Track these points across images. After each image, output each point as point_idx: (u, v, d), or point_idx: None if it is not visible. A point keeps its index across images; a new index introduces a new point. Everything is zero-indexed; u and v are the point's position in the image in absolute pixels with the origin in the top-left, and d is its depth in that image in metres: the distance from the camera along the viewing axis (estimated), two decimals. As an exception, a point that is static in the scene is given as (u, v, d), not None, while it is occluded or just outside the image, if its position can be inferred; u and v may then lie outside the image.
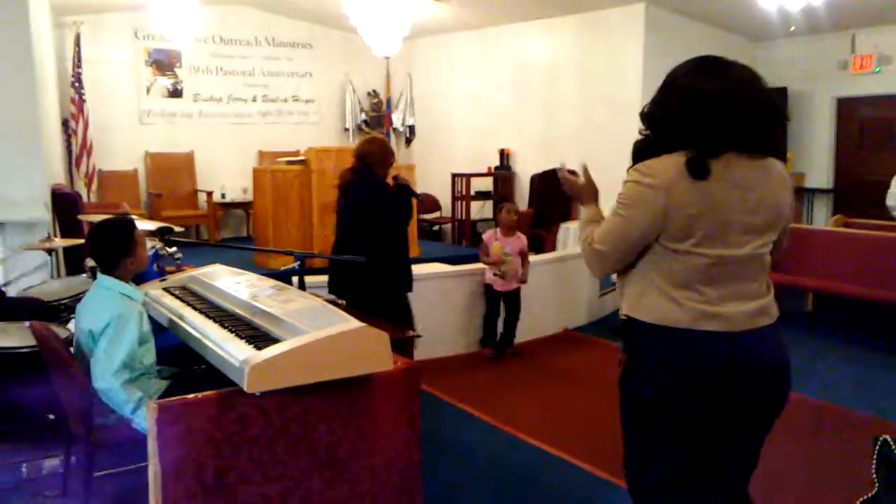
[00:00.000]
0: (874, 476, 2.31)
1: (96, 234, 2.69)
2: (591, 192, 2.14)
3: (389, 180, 4.21)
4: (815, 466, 3.52)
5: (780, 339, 1.91)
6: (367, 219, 4.05)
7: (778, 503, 3.08)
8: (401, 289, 4.25)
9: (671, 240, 1.82)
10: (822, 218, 8.43)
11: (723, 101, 1.77)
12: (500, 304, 5.37)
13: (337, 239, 4.25)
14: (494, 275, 5.29)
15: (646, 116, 1.92)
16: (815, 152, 8.60)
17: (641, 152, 1.90)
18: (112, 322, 2.49)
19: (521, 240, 5.38)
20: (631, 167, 1.89)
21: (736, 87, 1.78)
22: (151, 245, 3.31)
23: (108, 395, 2.46)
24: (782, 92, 8.18)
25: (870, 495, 2.31)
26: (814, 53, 8.39)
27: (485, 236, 5.42)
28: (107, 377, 2.45)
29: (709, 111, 1.78)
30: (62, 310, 3.46)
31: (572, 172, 2.17)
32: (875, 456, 2.32)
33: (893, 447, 2.29)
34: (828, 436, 3.95)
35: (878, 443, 2.31)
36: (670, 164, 1.79)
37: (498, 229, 5.38)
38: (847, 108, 8.49)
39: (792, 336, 6.17)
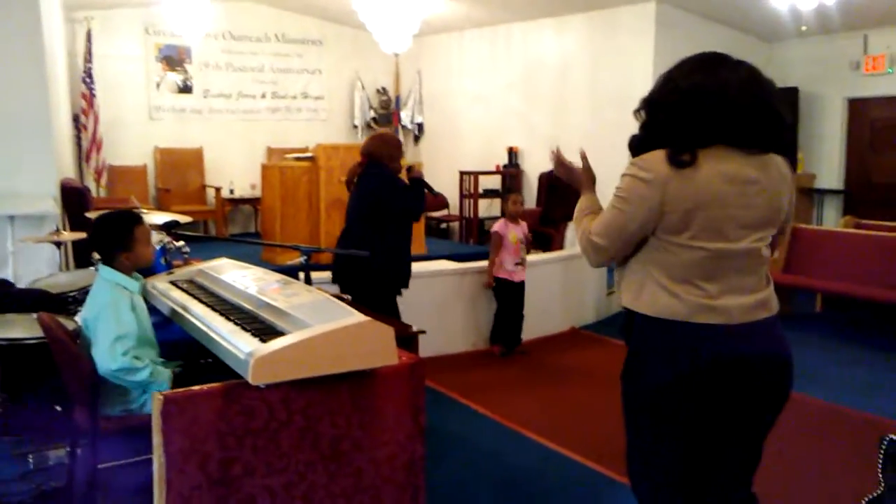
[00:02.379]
0: (880, 475, 2.29)
1: (96, 225, 2.73)
2: (589, 179, 2.16)
3: (403, 174, 4.19)
4: (822, 466, 3.50)
5: (779, 331, 1.90)
6: (373, 212, 4.03)
7: (784, 502, 3.06)
8: (396, 284, 4.20)
9: (668, 233, 1.82)
10: (832, 219, 8.38)
11: (700, 97, 1.79)
12: (513, 297, 5.37)
13: (343, 231, 4.25)
14: (517, 264, 5.30)
15: (639, 109, 1.93)
16: (827, 153, 8.55)
17: (637, 146, 1.90)
18: (104, 309, 2.52)
19: (524, 227, 5.45)
20: (630, 161, 1.90)
21: (725, 83, 1.78)
22: (159, 239, 3.32)
23: (114, 373, 2.47)
24: (793, 92, 8.14)
25: (875, 494, 2.30)
26: (826, 54, 8.34)
27: (496, 227, 5.42)
28: (104, 355, 2.46)
29: (688, 107, 1.79)
30: (70, 302, 3.48)
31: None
32: (881, 455, 2.31)
33: (900, 447, 2.27)
34: (835, 436, 3.93)
35: (885, 442, 2.30)
36: (663, 159, 1.80)
37: (505, 219, 5.40)
38: (859, 109, 8.43)
39: (801, 336, 6.19)
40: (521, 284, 5.38)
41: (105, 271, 2.65)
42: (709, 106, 1.78)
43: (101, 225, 2.72)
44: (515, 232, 5.33)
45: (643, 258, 1.90)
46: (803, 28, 7.76)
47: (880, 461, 2.28)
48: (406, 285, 4.27)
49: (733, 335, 1.81)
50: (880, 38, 7.95)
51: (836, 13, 7.09)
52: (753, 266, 1.86)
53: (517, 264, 5.31)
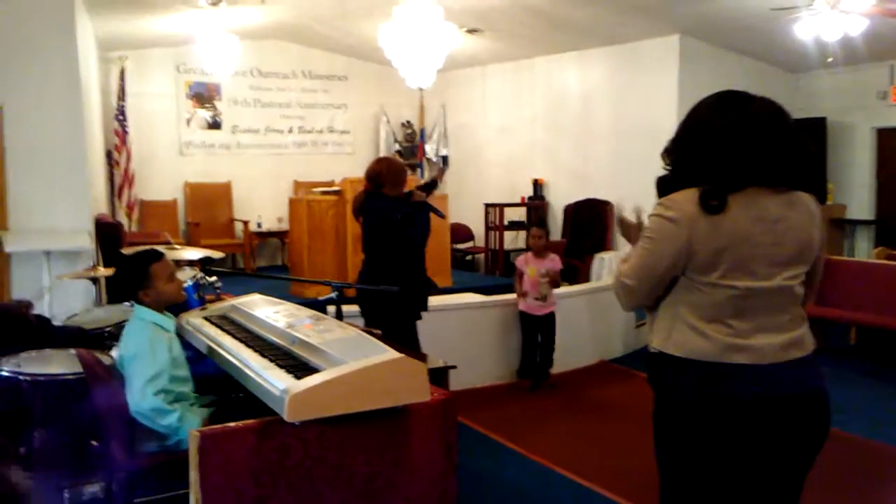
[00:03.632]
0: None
1: (117, 266, 2.78)
2: (638, 233, 2.14)
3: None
4: (835, 497, 3.42)
5: (815, 370, 1.86)
6: (379, 244, 4.09)
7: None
8: (415, 310, 4.22)
9: (697, 272, 1.81)
10: (864, 249, 8.26)
11: (736, 135, 1.78)
12: (537, 331, 5.34)
13: (363, 262, 4.29)
14: (536, 299, 5.27)
15: (667, 151, 1.93)
16: (856, 183, 8.47)
17: (665, 186, 1.91)
18: (141, 348, 2.56)
19: (554, 261, 5.39)
20: (657, 201, 1.90)
21: (752, 122, 1.78)
22: (192, 274, 3.37)
23: (145, 413, 2.50)
24: (821, 122, 8.10)
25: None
26: (853, 84, 8.31)
27: (517, 262, 5.43)
28: (136, 395, 2.50)
29: (723, 146, 1.78)
30: (105, 337, 3.52)
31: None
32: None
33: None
34: (870, 472, 3.84)
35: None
36: (692, 198, 1.80)
37: (530, 253, 5.39)
38: (887, 139, 8.36)
39: (834, 370, 6.06)
40: (547, 317, 5.34)
41: (140, 311, 2.70)
42: (739, 144, 1.77)
43: (119, 266, 2.82)
44: (535, 266, 5.31)
45: (673, 299, 1.88)
46: (829, 59, 7.74)
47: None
48: (425, 308, 4.28)
49: (766, 374, 1.78)
50: (907, 67, 7.92)
51: (862, 43, 7.06)
52: (785, 304, 1.84)
53: (536, 300, 5.28)
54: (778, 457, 1.84)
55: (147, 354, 2.55)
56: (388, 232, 4.08)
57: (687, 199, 1.80)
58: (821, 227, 1.90)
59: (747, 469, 1.83)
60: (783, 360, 1.80)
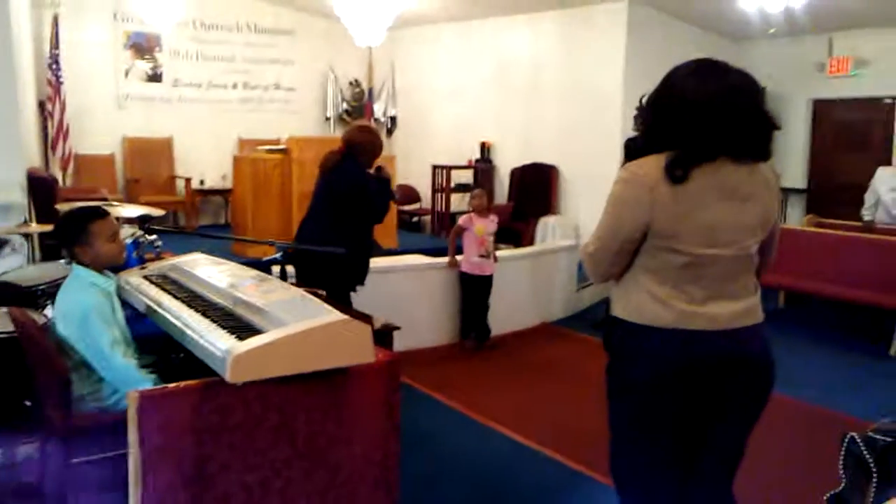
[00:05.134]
0: (841, 472, 2.37)
1: (57, 221, 2.70)
2: None
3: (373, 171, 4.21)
4: (785, 463, 3.60)
5: (764, 337, 1.96)
6: (340, 208, 4.07)
7: (746, 498, 3.14)
8: (353, 280, 4.24)
9: (657, 238, 1.85)
10: (796, 217, 8.56)
11: (713, 107, 1.79)
12: (477, 291, 5.41)
13: (306, 220, 4.24)
14: (481, 256, 5.34)
15: (638, 116, 1.94)
16: (791, 153, 8.72)
17: (631, 152, 1.93)
18: (89, 314, 2.49)
19: (494, 219, 5.50)
20: (621, 166, 1.93)
21: (728, 94, 1.79)
22: (132, 232, 3.29)
23: (120, 378, 2.46)
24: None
25: (837, 491, 2.37)
26: (792, 55, 8.51)
27: (461, 221, 5.49)
28: (106, 360, 2.46)
29: (697, 116, 1.80)
30: (39, 295, 3.43)
31: None
32: (843, 452, 2.38)
33: (860, 444, 2.35)
34: (797, 433, 4.04)
35: (846, 439, 2.37)
36: (656, 165, 1.82)
37: (473, 213, 5.44)
38: (823, 110, 8.62)
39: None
40: (488, 279, 5.42)
41: (78, 270, 2.62)
42: (714, 116, 1.78)
43: (59, 221, 2.71)
44: (482, 225, 5.38)
45: (633, 266, 1.93)
46: (772, 30, 7.90)
47: (842, 458, 2.36)
48: (363, 282, 4.30)
49: (719, 339, 1.86)
50: (845, 40, 8.13)
51: (803, 15, 7.23)
52: (740, 273, 1.91)
53: (482, 256, 5.36)
54: (725, 414, 1.94)
55: (100, 322, 2.48)
56: (355, 198, 4.06)
57: (652, 165, 1.83)
58: (777, 198, 1.96)
59: (695, 426, 1.93)
60: (738, 327, 1.88)
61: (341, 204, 4.07)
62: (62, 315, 2.55)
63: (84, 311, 2.49)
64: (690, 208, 1.81)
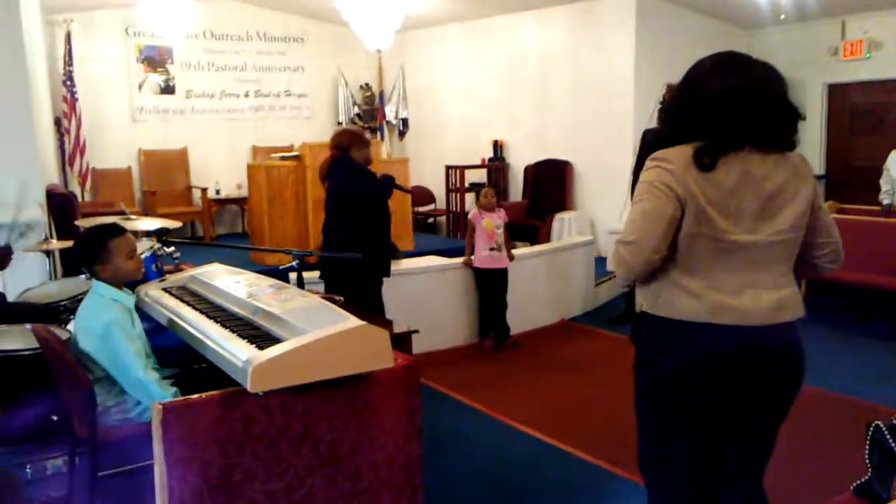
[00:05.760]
0: (867, 461, 2.34)
1: (77, 239, 2.74)
2: None
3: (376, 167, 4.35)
4: (811, 452, 3.57)
5: (797, 334, 1.95)
6: (347, 202, 4.20)
7: (772, 488, 3.12)
8: (378, 273, 4.33)
9: (688, 223, 1.84)
10: (814, 204, 8.47)
11: (738, 99, 1.81)
12: (493, 286, 5.43)
13: (323, 229, 4.38)
14: (492, 249, 5.38)
15: (663, 109, 1.96)
16: (807, 138, 8.59)
17: (654, 145, 1.94)
18: (110, 329, 2.52)
19: (502, 213, 5.56)
20: (637, 157, 1.94)
21: (753, 87, 1.82)
22: (150, 245, 3.32)
23: (142, 391, 2.50)
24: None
25: (863, 480, 2.35)
26: (805, 40, 8.42)
27: (471, 216, 5.55)
28: (128, 374, 2.49)
29: (722, 108, 1.82)
30: (61, 311, 3.48)
31: None
32: (868, 441, 2.35)
33: (886, 432, 2.32)
34: (822, 421, 4.00)
35: (871, 428, 2.35)
36: (683, 152, 1.84)
37: (480, 210, 5.47)
38: (838, 94, 8.52)
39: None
40: (502, 272, 5.44)
41: (98, 286, 2.66)
42: (738, 108, 1.80)
43: (79, 239, 2.75)
44: (490, 219, 5.43)
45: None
46: (782, 17, 7.82)
47: (867, 447, 2.33)
48: (388, 273, 4.38)
49: (751, 335, 1.86)
50: (857, 23, 8.03)
51: (814, 0, 7.16)
52: (774, 261, 1.89)
53: (492, 249, 5.39)
54: (754, 405, 1.93)
55: (123, 337, 2.51)
56: (355, 195, 4.18)
57: (680, 152, 1.84)
58: (812, 185, 1.93)
59: (724, 420, 1.93)
60: (773, 323, 1.86)
61: (347, 197, 4.20)
62: (83, 331, 2.59)
63: (106, 326, 2.52)
64: (720, 194, 1.81)
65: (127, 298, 2.71)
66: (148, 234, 3.51)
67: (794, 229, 1.90)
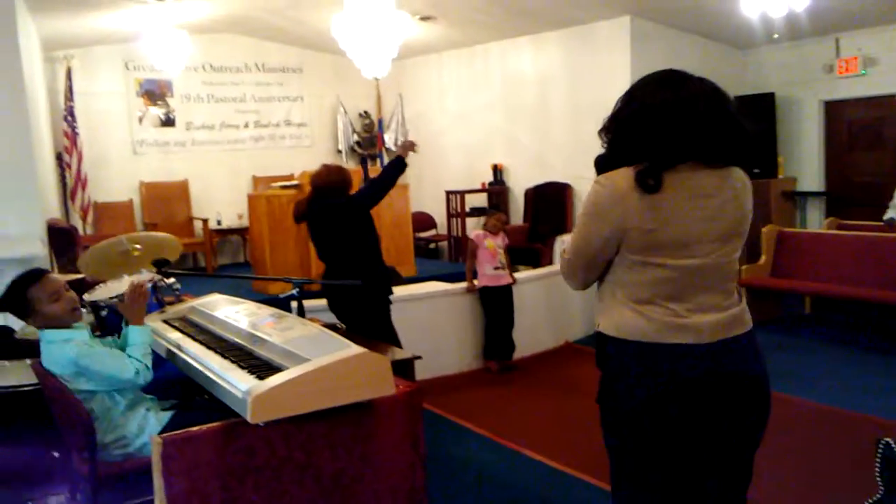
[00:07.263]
0: (878, 479, 2.32)
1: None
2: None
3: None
4: (818, 470, 3.52)
5: (753, 348, 1.87)
6: (354, 228, 4.24)
7: (784, 510, 3.08)
8: (383, 295, 4.32)
9: (632, 251, 1.80)
10: (815, 220, 8.46)
11: (670, 112, 1.77)
12: (499, 305, 5.45)
13: (327, 266, 4.36)
14: (496, 268, 5.43)
15: (604, 129, 1.93)
16: (806, 156, 8.65)
17: (602, 165, 1.90)
18: (81, 363, 2.46)
19: (503, 237, 5.61)
20: (594, 180, 1.91)
21: (686, 100, 1.77)
22: (150, 277, 3.31)
23: (148, 374, 2.54)
24: (770, 97, 8.24)
25: (875, 498, 2.32)
26: (799, 58, 8.47)
27: (473, 236, 5.60)
28: (127, 377, 2.51)
29: (656, 124, 1.78)
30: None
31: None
32: (878, 459, 2.33)
33: (895, 449, 2.30)
34: (829, 438, 3.96)
35: (881, 446, 2.33)
36: (627, 176, 1.79)
37: (486, 231, 5.49)
38: (835, 111, 8.55)
39: (791, 339, 6.20)
40: (507, 289, 5.44)
41: (44, 335, 2.53)
42: (677, 121, 1.77)
43: (1, 296, 2.58)
44: (492, 240, 5.48)
45: (611, 279, 1.88)
46: (775, 35, 7.88)
47: (878, 464, 2.31)
48: (391, 291, 4.41)
49: (705, 354, 1.78)
50: (851, 40, 8.08)
51: (807, 19, 7.20)
52: (721, 281, 1.84)
53: (496, 268, 5.42)
54: (721, 435, 1.83)
55: (89, 358, 2.47)
56: (339, 224, 4.23)
57: (622, 176, 1.79)
58: (749, 202, 1.90)
59: (693, 449, 1.82)
60: (725, 338, 1.80)
61: (332, 236, 4.26)
62: (64, 377, 2.50)
63: (74, 363, 2.46)
64: (664, 218, 1.77)
65: (78, 333, 2.57)
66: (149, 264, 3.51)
67: (740, 247, 1.87)
